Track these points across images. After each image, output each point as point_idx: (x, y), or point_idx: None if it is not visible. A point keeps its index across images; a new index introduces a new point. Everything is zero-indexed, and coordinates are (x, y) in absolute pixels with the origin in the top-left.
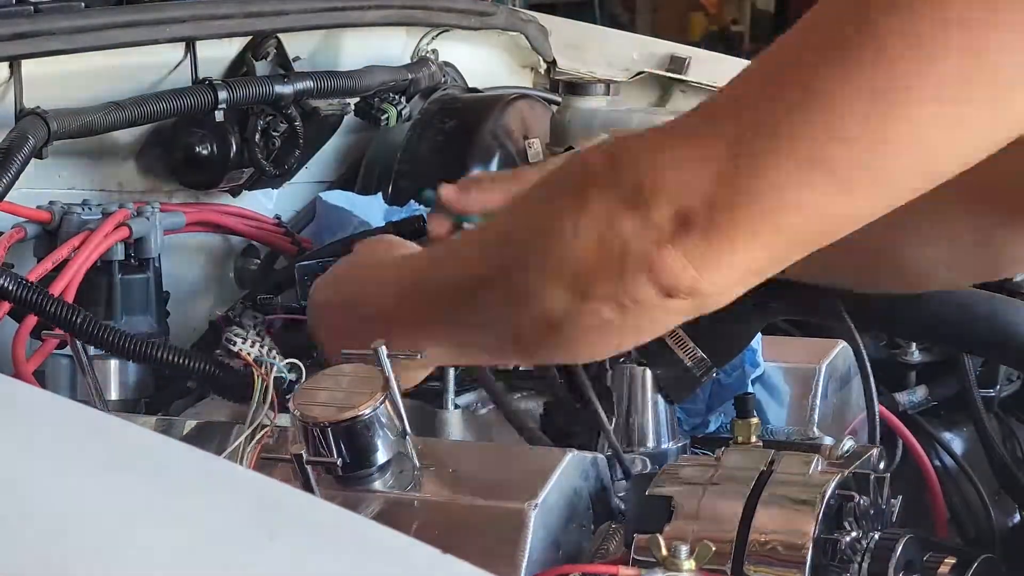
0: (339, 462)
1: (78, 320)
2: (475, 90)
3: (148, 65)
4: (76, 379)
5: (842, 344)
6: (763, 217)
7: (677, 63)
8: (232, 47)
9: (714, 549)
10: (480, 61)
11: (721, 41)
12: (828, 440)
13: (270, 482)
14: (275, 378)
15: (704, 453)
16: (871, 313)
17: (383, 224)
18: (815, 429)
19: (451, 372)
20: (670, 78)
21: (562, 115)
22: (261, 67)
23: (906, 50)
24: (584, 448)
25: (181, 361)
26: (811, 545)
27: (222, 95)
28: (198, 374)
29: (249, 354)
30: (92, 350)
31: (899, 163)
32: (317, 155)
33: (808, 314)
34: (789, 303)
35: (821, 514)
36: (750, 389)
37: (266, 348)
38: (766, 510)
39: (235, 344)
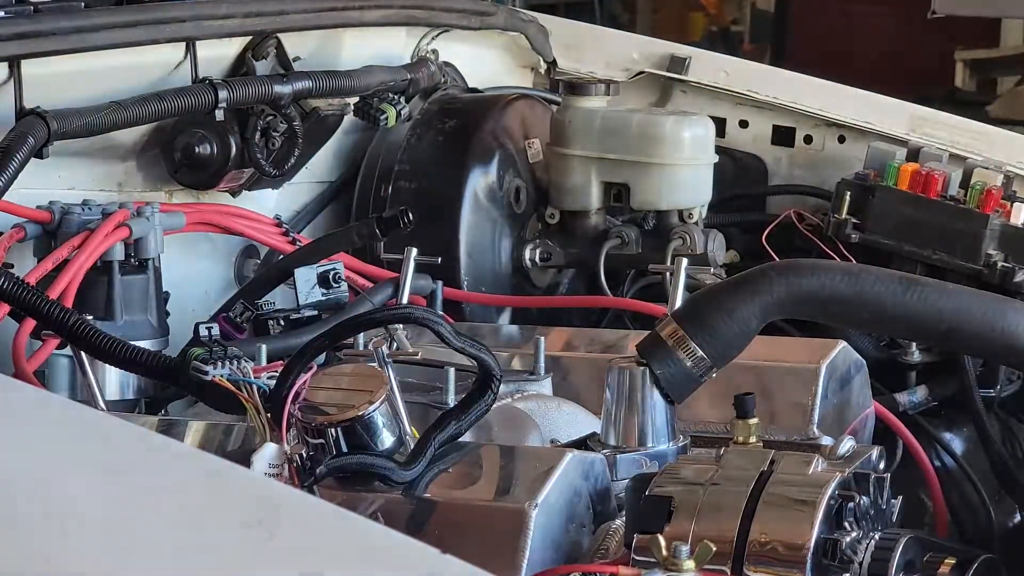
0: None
1: (71, 323)
2: (475, 90)
3: (148, 65)
4: (76, 379)
5: (842, 344)
6: None
7: (677, 63)
8: (232, 47)
9: (714, 549)
10: (480, 61)
11: (721, 41)
12: (828, 440)
13: (270, 482)
14: (259, 389)
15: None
16: (870, 314)
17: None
18: (815, 429)
19: (451, 372)
20: (670, 78)
21: (562, 115)
22: (261, 67)
23: None
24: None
25: (174, 373)
26: (811, 545)
27: (222, 94)
28: (189, 386)
29: (223, 377)
30: None
31: None
32: (317, 155)
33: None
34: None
35: (821, 514)
36: None
37: (236, 364)
38: (766, 510)
39: (206, 375)
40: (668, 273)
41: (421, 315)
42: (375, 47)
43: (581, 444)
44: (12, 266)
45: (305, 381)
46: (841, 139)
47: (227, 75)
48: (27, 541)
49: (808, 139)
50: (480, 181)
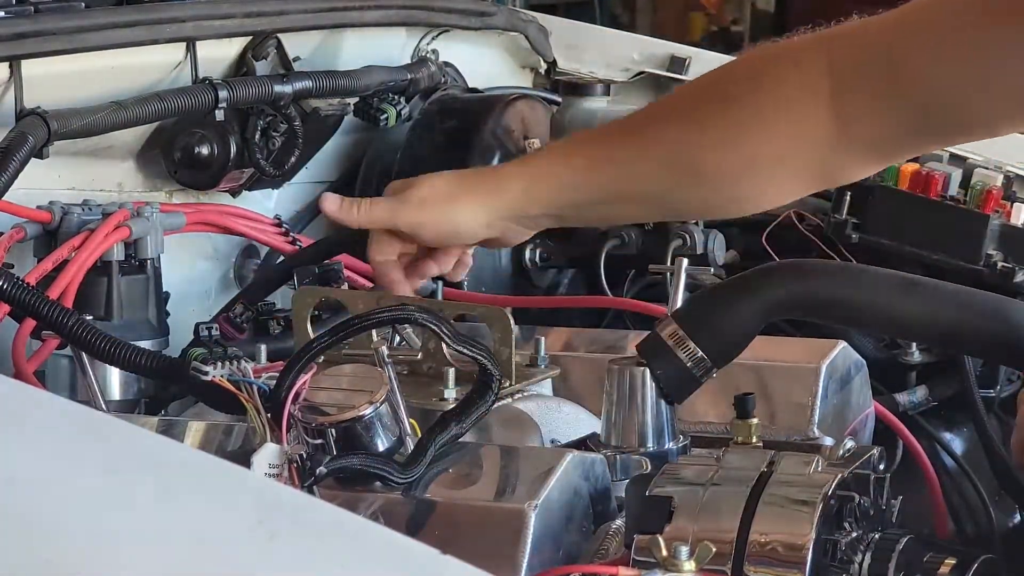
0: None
1: (71, 324)
2: (475, 90)
3: (148, 65)
4: (76, 379)
5: (842, 344)
6: None
7: (677, 63)
8: (232, 47)
9: (714, 549)
10: (480, 61)
11: (721, 41)
12: (828, 440)
13: (270, 482)
14: (259, 389)
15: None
16: (871, 314)
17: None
18: (815, 429)
19: (451, 372)
20: (670, 78)
21: (562, 115)
22: (261, 67)
23: None
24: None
25: (173, 373)
26: (811, 545)
27: (222, 94)
28: (189, 387)
29: (223, 377)
30: None
31: None
32: (317, 155)
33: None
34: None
35: (821, 514)
36: None
37: (236, 364)
38: (766, 510)
39: (206, 374)
40: (668, 273)
41: (420, 316)
42: (375, 47)
43: (581, 444)
44: (12, 266)
45: (305, 381)
46: None
47: (227, 75)
48: (27, 541)
49: None
50: None
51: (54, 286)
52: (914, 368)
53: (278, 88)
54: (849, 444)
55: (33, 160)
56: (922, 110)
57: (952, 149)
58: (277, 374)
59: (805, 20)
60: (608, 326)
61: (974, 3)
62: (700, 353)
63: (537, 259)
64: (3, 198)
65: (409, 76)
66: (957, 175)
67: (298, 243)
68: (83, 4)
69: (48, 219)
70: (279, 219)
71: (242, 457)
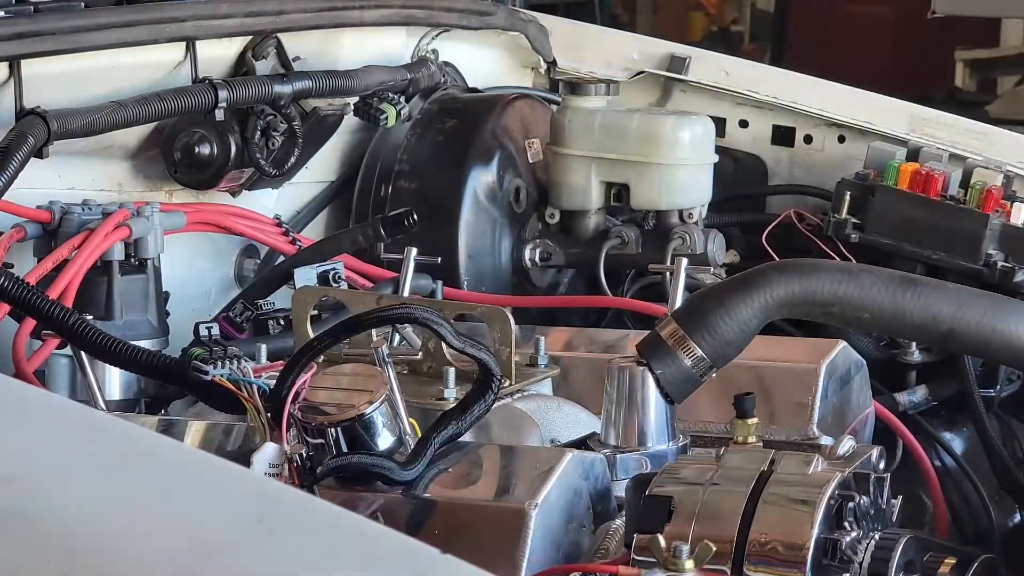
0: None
1: (71, 323)
2: (475, 90)
3: (148, 65)
4: (76, 379)
5: (842, 344)
6: None
7: (677, 63)
8: (232, 47)
9: (714, 549)
10: (480, 61)
11: (721, 41)
12: (828, 440)
13: (270, 482)
14: (259, 389)
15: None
16: (870, 313)
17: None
18: (815, 429)
19: (451, 371)
20: (670, 78)
21: (562, 115)
22: (261, 67)
23: None
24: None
25: (174, 373)
26: (811, 545)
27: (222, 94)
28: (190, 386)
29: (223, 377)
30: None
31: None
32: (317, 155)
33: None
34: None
35: (821, 514)
36: None
37: (236, 363)
38: (766, 510)
39: (207, 374)
40: (668, 273)
41: (422, 315)
42: (375, 47)
43: (581, 444)
44: (12, 266)
45: (305, 381)
46: (841, 139)
47: (227, 75)
48: (27, 541)
49: (808, 139)
50: (480, 181)
51: (54, 286)
52: (914, 368)
53: (278, 88)
54: (849, 444)
55: (33, 160)
56: None
57: (952, 149)
58: (277, 374)
59: (805, 20)
60: (608, 326)
61: None
62: (700, 352)
63: (537, 259)
64: (3, 198)
65: (409, 76)
66: (957, 175)
67: (298, 243)
68: (83, 4)
69: (48, 219)
70: (279, 219)
71: (242, 457)
